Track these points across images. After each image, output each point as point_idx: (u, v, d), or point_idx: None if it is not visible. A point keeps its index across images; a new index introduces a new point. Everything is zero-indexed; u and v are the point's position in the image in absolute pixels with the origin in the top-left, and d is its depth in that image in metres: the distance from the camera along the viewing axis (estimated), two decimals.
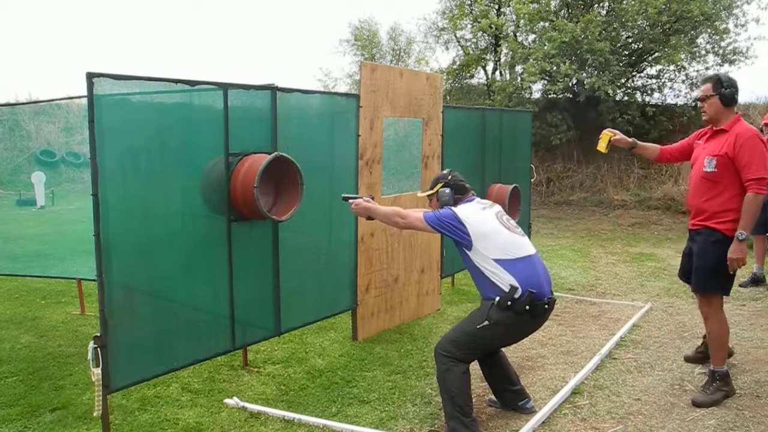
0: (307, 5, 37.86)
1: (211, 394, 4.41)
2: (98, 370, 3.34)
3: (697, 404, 4.18)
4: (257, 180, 3.87)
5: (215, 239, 4.04)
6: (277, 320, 4.56)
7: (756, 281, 7.28)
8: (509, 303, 3.63)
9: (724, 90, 4.18)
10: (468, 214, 3.83)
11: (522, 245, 3.82)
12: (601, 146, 4.89)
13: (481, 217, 3.85)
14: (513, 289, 3.63)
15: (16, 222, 11.43)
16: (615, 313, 6.42)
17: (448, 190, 4.03)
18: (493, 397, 4.23)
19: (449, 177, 4.09)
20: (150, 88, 3.63)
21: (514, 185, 6.92)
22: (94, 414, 3.43)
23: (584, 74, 12.48)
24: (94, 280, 3.47)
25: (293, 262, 4.65)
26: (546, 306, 3.74)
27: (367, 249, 5.43)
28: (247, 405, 4.18)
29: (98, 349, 3.35)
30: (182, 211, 3.88)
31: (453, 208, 3.90)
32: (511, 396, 4.13)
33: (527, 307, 3.63)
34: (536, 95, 14.89)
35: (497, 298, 3.66)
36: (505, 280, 3.66)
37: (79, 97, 6.26)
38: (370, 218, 4.28)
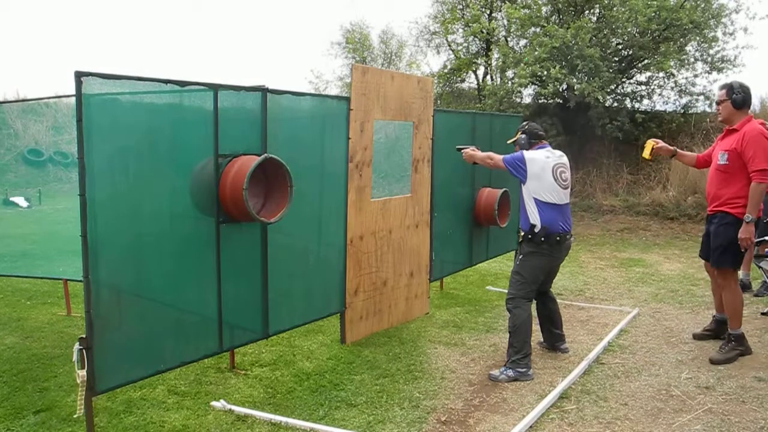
0: (299, 7, 37.83)
1: (197, 396, 4.38)
2: (83, 372, 3.32)
3: (713, 362, 4.99)
4: (246, 182, 3.85)
5: (204, 241, 4.02)
6: (265, 322, 4.54)
7: (742, 287, 7.32)
8: (529, 236, 4.88)
9: (736, 95, 4.99)
10: (533, 158, 4.88)
11: (558, 196, 4.88)
12: (645, 153, 5.58)
13: (541, 163, 4.86)
14: (533, 225, 4.85)
15: (2, 221, 11.35)
16: (603, 318, 6.44)
17: (524, 136, 5.09)
18: (541, 339, 5.46)
19: (526, 126, 5.15)
20: (139, 88, 3.61)
21: (503, 189, 6.93)
22: (77, 414, 3.40)
23: (574, 79, 12.53)
24: (80, 281, 3.44)
25: (282, 265, 4.63)
26: (558, 238, 4.85)
27: (356, 252, 5.41)
28: (234, 408, 4.15)
29: (84, 350, 3.32)
30: (171, 212, 3.86)
31: (525, 151, 4.95)
32: (551, 337, 5.39)
33: (542, 239, 4.82)
34: (527, 100, 14.95)
35: (522, 232, 4.99)
36: (533, 215, 4.85)
37: (68, 96, 6.22)
38: (475, 163, 5.46)
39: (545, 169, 4.84)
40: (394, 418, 4.09)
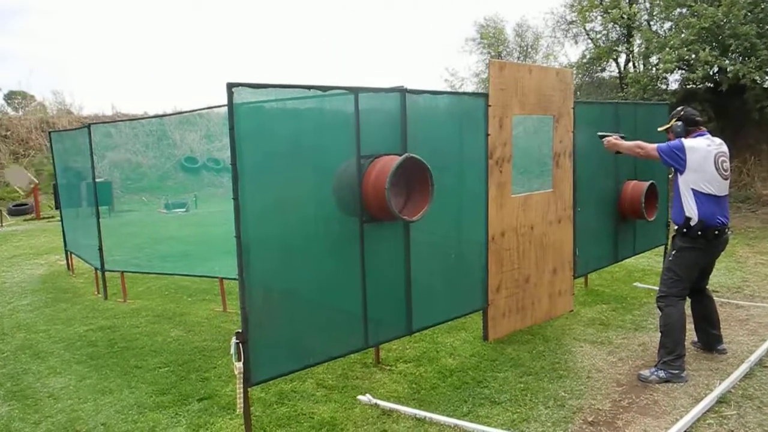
0: (432, 5, 37.97)
1: (344, 390, 4.53)
2: (240, 364, 3.53)
3: None
4: (389, 181, 3.93)
5: (348, 240, 4.14)
6: (408, 319, 4.61)
7: None
8: (684, 230, 4.61)
9: None
10: (693, 146, 4.59)
11: (719, 188, 4.58)
12: None
13: (703, 152, 4.57)
14: (688, 218, 4.58)
15: (165, 225, 12.29)
16: (765, 317, 5.99)
17: (680, 123, 4.79)
18: (695, 338, 5.15)
19: (681, 112, 4.83)
20: (284, 95, 3.78)
21: (650, 182, 6.60)
22: (237, 411, 3.62)
23: (727, 61, 11.69)
24: (235, 279, 3.65)
25: (424, 262, 4.68)
26: (716, 232, 4.57)
27: (497, 249, 5.37)
28: (379, 402, 4.26)
29: (240, 344, 3.53)
30: (316, 212, 4.01)
31: (684, 139, 4.66)
32: (708, 337, 5.06)
33: (699, 233, 4.55)
34: (673, 86, 14.14)
35: (675, 226, 4.71)
36: (689, 208, 4.57)
37: (219, 106, 6.64)
38: (618, 153, 5.29)
39: (707, 159, 4.56)
40: (539, 417, 4.02)
